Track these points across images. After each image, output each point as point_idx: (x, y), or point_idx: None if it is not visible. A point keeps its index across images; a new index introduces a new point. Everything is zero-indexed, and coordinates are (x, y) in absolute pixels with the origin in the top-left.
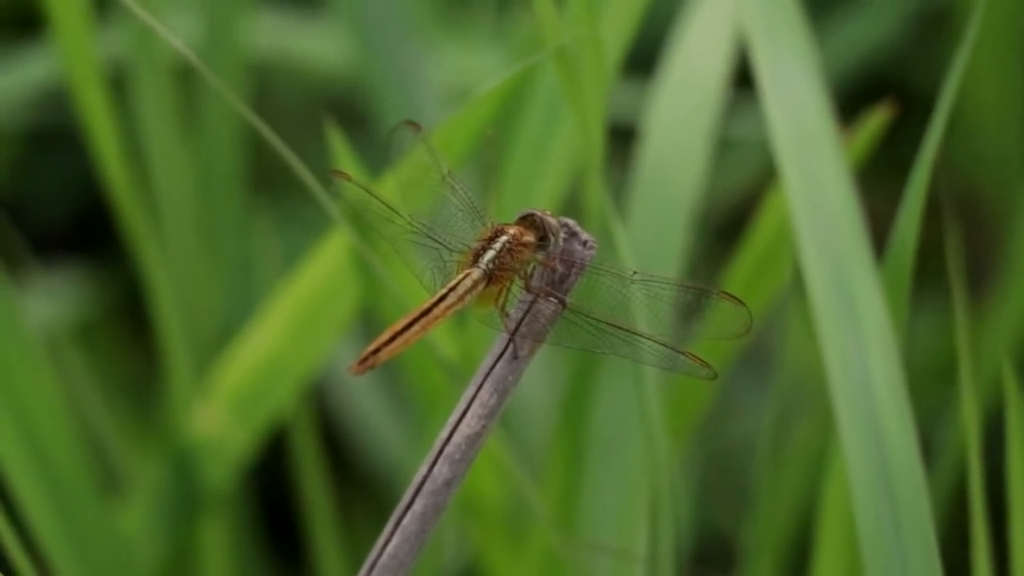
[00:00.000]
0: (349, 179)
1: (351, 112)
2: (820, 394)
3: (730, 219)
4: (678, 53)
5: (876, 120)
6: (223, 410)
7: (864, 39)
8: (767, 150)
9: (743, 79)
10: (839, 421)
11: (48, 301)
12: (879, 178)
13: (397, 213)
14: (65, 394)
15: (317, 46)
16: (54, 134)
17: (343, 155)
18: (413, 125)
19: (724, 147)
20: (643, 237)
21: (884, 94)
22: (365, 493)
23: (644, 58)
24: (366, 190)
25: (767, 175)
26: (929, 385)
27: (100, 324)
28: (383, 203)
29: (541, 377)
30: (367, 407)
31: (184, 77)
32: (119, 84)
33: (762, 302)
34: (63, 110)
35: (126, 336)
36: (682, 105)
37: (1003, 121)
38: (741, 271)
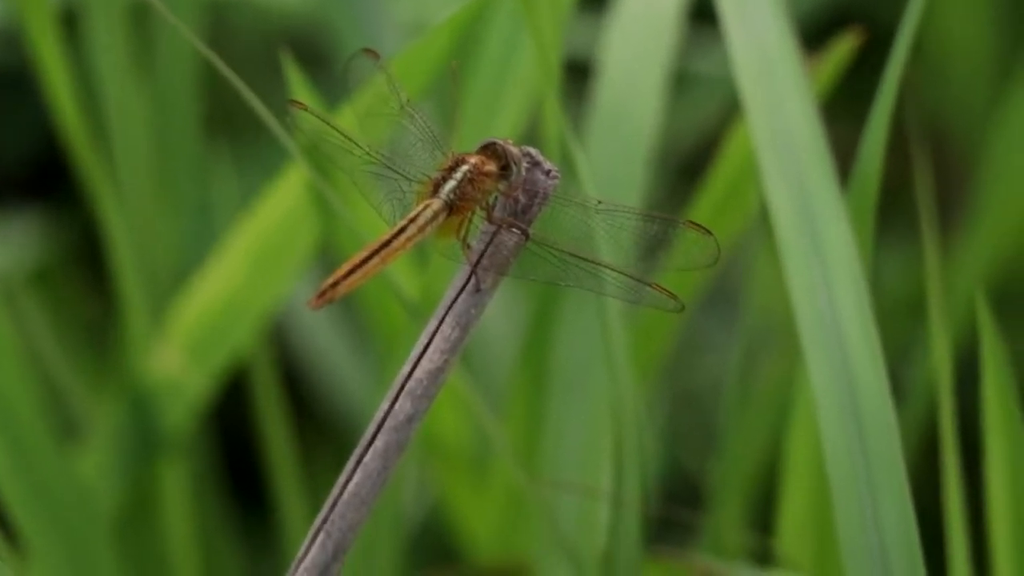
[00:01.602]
0: (305, 108)
1: (311, 53)
2: (788, 332)
3: (692, 159)
4: None
5: (842, 48)
6: (181, 351)
7: None
8: (730, 89)
9: (704, 15)
10: (806, 356)
11: (3, 247)
12: (845, 113)
13: (355, 143)
14: (21, 341)
15: None
16: (10, 78)
17: (300, 88)
18: (371, 53)
19: (686, 85)
20: (601, 174)
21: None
22: (327, 434)
23: None
24: (323, 119)
25: (731, 114)
26: (898, 322)
27: (58, 270)
28: (340, 133)
29: (503, 312)
30: (328, 346)
31: (138, 16)
32: (72, 23)
33: (727, 239)
34: (18, 53)
35: (85, 282)
36: (638, 36)
37: (971, 56)
38: (704, 207)
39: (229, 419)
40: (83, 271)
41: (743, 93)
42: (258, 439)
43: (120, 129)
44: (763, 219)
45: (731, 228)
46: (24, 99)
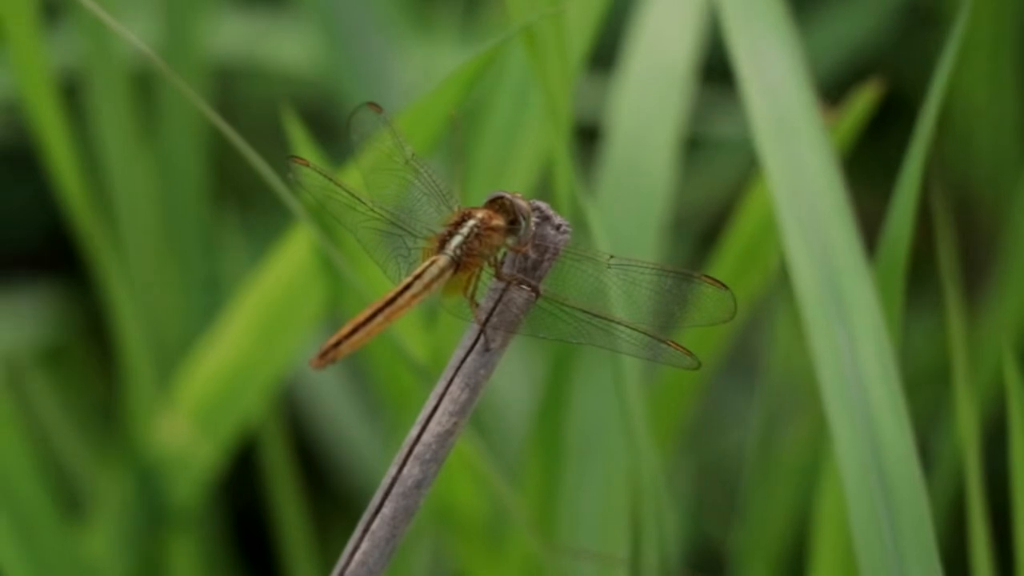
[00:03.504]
0: (307, 164)
1: (321, 123)
2: (810, 397)
3: (710, 226)
4: (642, 38)
5: (863, 101)
6: (188, 421)
7: (851, 35)
8: (747, 152)
9: (714, 75)
10: (831, 422)
11: (14, 324)
12: (870, 181)
13: (358, 199)
14: (28, 419)
15: (285, 49)
16: (22, 154)
17: (303, 146)
18: (375, 107)
19: (702, 150)
20: (614, 237)
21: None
22: (338, 502)
23: (612, 58)
24: (324, 175)
25: (748, 178)
26: (926, 390)
27: (68, 346)
28: (344, 189)
29: (517, 374)
30: (340, 413)
31: (142, 85)
32: (74, 93)
33: (745, 301)
34: (27, 126)
35: (95, 358)
36: (647, 95)
37: (997, 121)
38: (722, 269)
39: (239, 490)
40: (93, 347)
41: (761, 151)
42: (269, 510)
43: (125, 200)
44: (782, 282)
45: (750, 290)
46: (33, 173)
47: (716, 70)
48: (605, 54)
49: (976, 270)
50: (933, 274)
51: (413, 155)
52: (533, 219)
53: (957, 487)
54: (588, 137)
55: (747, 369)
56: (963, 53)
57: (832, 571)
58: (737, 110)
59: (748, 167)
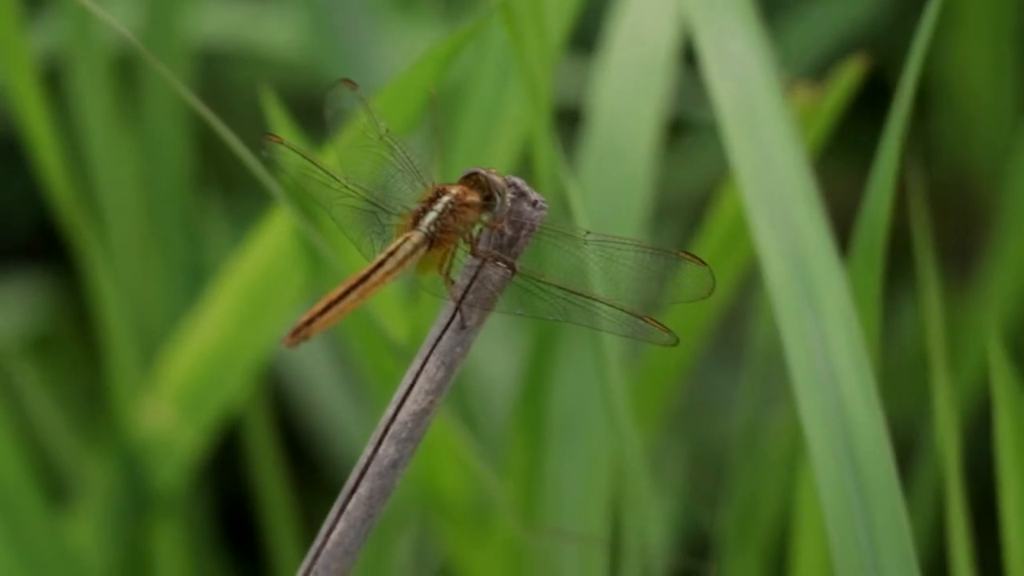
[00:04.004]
0: (281, 142)
1: (306, 105)
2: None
3: (696, 210)
4: (624, 20)
5: (847, 77)
6: (171, 405)
7: (843, 17)
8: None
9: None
10: (802, 411)
11: (1, 313)
12: (862, 165)
13: (333, 176)
14: (15, 407)
15: (271, 33)
16: (9, 144)
17: (281, 125)
18: (350, 83)
19: (689, 134)
20: (596, 220)
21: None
22: (324, 485)
23: (595, 41)
24: (299, 152)
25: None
26: (916, 376)
27: (58, 335)
28: (318, 166)
29: (499, 354)
30: (323, 394)
31: (125, 70)
32: (56, 79)
33: (730, 283)
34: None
35: (83, 348)
36: (629, 78)
37: (994, 101)
38: (706, 250)
39: (224, 474)
40: (81, 336)
41: (728, 139)
42: (254, 493)
43: (109, 187)
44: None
45: (734, 272)
46: (21, 163)
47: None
48: (588, 37)
49: (972, 252)
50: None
51: (387, 131)
52: (508, 195)
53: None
54: (571, 121)
55: (736, 352)
56: (956, 34)
57: (817, 553)
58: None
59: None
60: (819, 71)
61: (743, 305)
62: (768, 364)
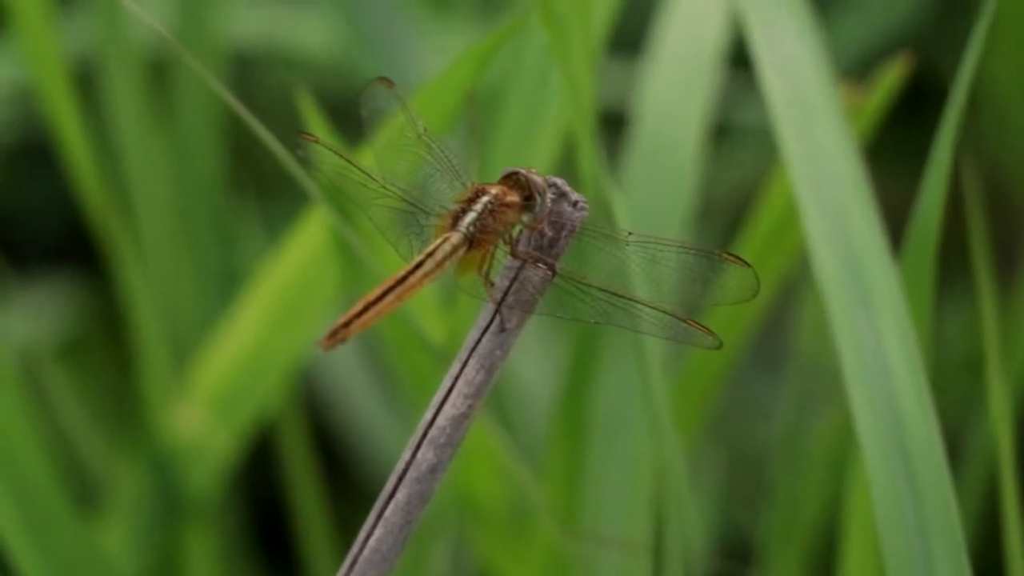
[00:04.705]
0: (317, 141)
1: (339, 108)
2: (839, 384)
3: (736, 214)
4: (671, 22)
5: (892, 78)
6: (204, 410)
7: (881, 21)
8: (770, 139)
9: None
10: (854, 410)
11: (33, 316)
12: (901, 170)
13: (370, 176)
14: (45, 412)
15: (303, 35)
16: (40, 146)
17: (316, 125)
18: (386, 82)
19: (730, 137)
20: (639, 225)
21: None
22: (358, 491)
23: (638, 45)
24: (335, 151)
25: (775, 164)
26: (960, 381)
27: (88, 338)
28: (354, 165)
29: (538, 359)
30: (358, 399)
31: (156, 74)
32: (87, 82)
33: (771, 287)
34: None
35: (113, 352)
36: (675, 80)
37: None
38: (747, 253)
39: (257, 480)
40: (111, 340)
41: (779, 135)
42: (287, 499)
43: (141, 189)
44: (807, 270)
45: (775, 275)
46: (51, 166)
47: (740, 56)
48: (632, 40)
49: (1011, 258)
50: (966, 264)
51: (425, 130)
52: (549, 195)
53: (992, 479)
54: (614, 125)
55: (773, 358)
56: (996, 36)
57: (862, 559)
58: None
59: (774, 154)
60: (856, 73)
61: (778, 312)
62: (809, 368)
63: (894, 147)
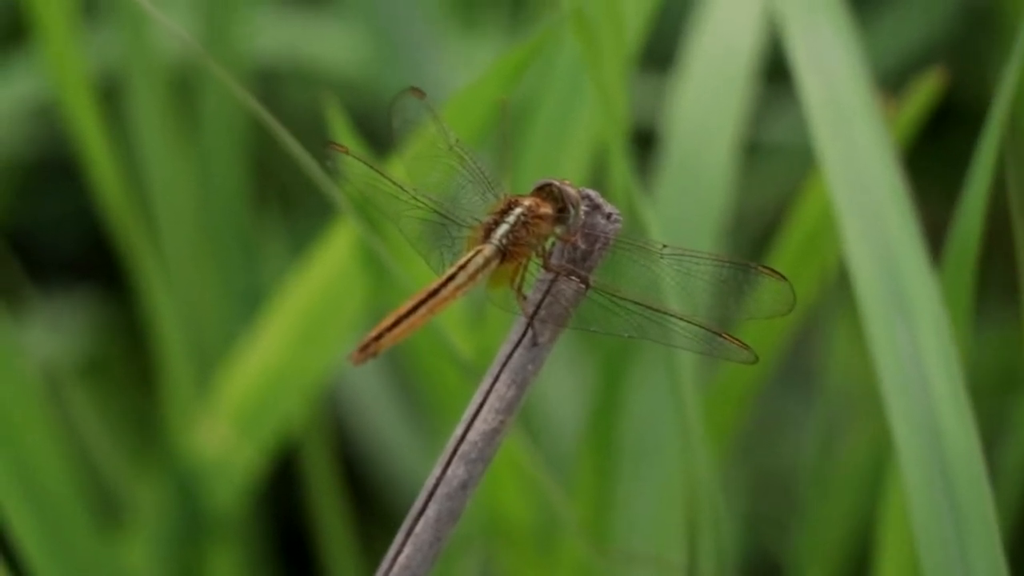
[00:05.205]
0: (346, 151)
1: (365, 124)
2: (868, 404)
3: (766, 231)
4: (703, 36)
5: (925, 92)
6: (228, 426)
7: (904, 39)
8: (803, 156)
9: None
10: (892, 423)
11: (54, 332)
12: (924, 190)
13: (400, 188)
14: (66, 429)
15: (328, 51)
16: (62, 163)
17: (343, 134)
18: (417, 92)
19: (759, 153)
20: (670, 241)
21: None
22: (382, 511)
23: (669, 61)
24: (364, 162)
25: (802, 183)
26: (989, 403)
27: (108, 357)
28: (384, 176)
29: (567, 375)
30: (383, 418)
31: (180, 89)
32: (110, 97)
33: (799, 306)
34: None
35: (134, 369)
36: (709, 92)
37: None
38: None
39: (281, 498)
40: (132, 357)
41: (818, 143)
42: (311, 518)
43: (164, 204)
44: (838, 286)
45: (804, 293)
46: (72, 182)
47: (766, 72)
48: (663, 56)
49: None
50: (995, 286)
51: (457, 141)
52: (583, 207)
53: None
54: (644, 142)
55: (799, 379)
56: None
57: (898, 571)
58: (790, 113)
59: (802, 172)
60: (884, 85)
61: (804, 331)
62: (839, 386)
63: (915, 165)
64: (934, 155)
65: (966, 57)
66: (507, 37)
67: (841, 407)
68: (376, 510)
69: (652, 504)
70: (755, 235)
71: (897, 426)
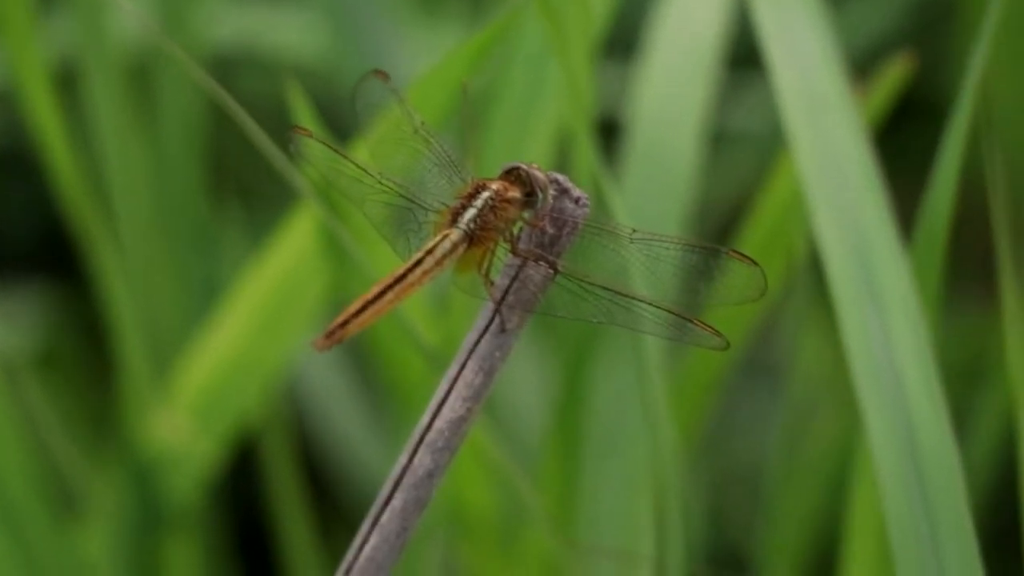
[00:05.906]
0: (309, 135)
1: (325, 114)
2: (835, 396)
3: (730, 219)
4: (666, 24)
5: (893, 77)
6: (186, 416)
7: (865, 32)
8: (768, 144)
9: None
10: (862, 407)
11: (9, 324)
12: (899, 158)
13: (365, 171)
14: (23, 421)
15: (286, 39)
16: (16, 153)
17: (306, 118)
18: (381, 75)
19: (723, 142)
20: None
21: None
22: (342, 504)
23: (632, 49)
24: (329, 146)
25: (768, 171)
26: (954, 392)
27: (64, 349)
28: (349, 160)
29: (533, 364)
30: (342, 409)
31: (137, 79)
32: (67, 85)
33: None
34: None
35: (91, 360)
36: (673, 80)
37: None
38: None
39: (239, 490)
40: (88, 349)
41: (789, 125)
42: (270, 510)
43: (121, 194)
44: (803, 276)
45: (769, 284)
46: (28, 174)
47: (728, 59)
48: (628, 44)
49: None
50: (961, 275)
51: (422, 124)
52: (551, 191)
53: (987, 492)
54: (609, 131)
55: (763, 373)
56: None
57: (865, 566)
58: (755, 101)
59: (767, 160)
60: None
61: (767, 322)
62: (805, 378)
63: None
64: (893, 144)
65: (923, 45)
66: (469, 27)
67: (807, 398)
68: (335, 502)
69: (618, 496)
70: (719, 223)
71: (868, 412)
